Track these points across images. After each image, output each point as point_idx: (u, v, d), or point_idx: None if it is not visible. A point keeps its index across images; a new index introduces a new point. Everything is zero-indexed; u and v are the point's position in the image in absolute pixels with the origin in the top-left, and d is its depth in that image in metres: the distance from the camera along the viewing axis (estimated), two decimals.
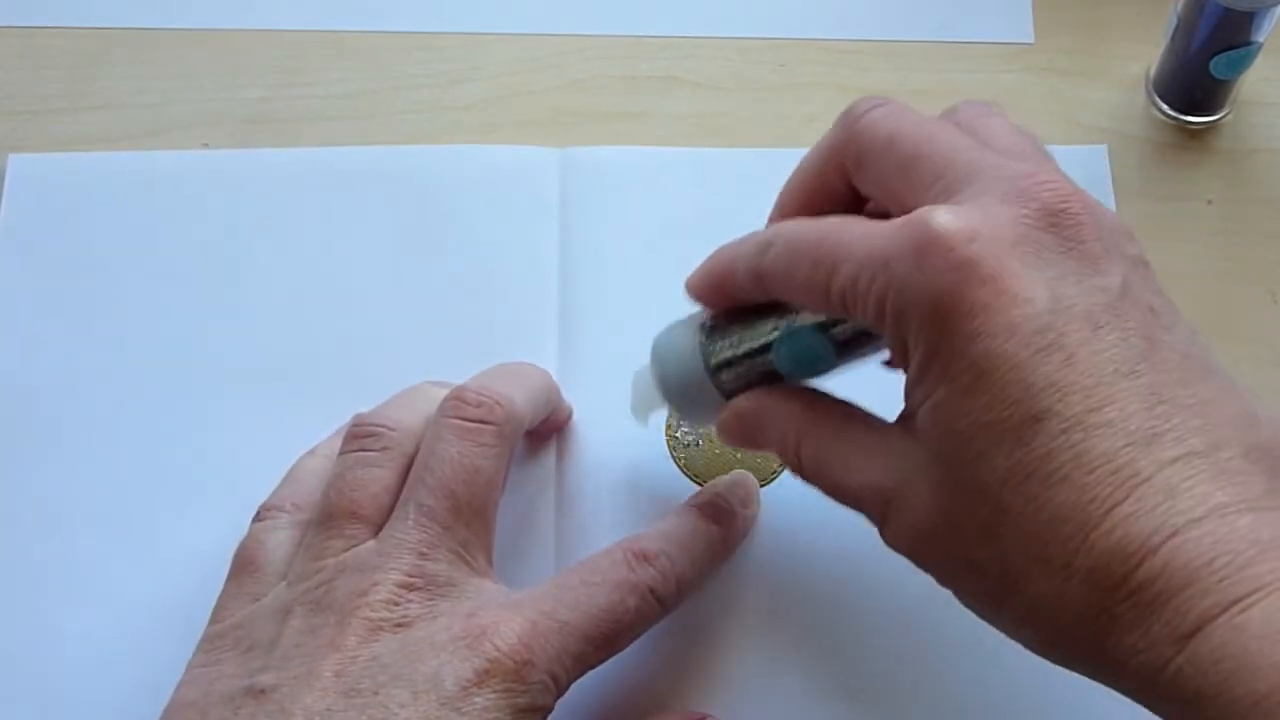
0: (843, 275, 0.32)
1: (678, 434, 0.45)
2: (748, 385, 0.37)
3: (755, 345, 0.36)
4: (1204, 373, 0.30)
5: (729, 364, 0.37)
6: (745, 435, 0.37)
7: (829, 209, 0.36)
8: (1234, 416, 0.29)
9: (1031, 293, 0.29)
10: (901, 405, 0.33)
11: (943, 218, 0.30)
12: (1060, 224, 0.30)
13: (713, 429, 0.39)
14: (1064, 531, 0.28)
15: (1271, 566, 0.27)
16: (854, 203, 0.36)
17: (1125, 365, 0.29)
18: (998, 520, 0.29)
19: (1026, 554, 0.29)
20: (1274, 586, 0.26)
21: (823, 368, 0.36)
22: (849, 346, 0.35)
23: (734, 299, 0.37)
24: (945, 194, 0.32)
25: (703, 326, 0.37)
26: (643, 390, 0.40)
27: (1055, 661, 0.30)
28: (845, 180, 0.35)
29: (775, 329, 0.36)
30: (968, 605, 0.32)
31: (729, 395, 0.37)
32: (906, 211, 0.32)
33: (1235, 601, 0.26)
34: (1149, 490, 0.28)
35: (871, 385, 0.35)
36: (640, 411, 0.41)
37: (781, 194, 0.38)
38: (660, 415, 0.42)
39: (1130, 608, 0.27)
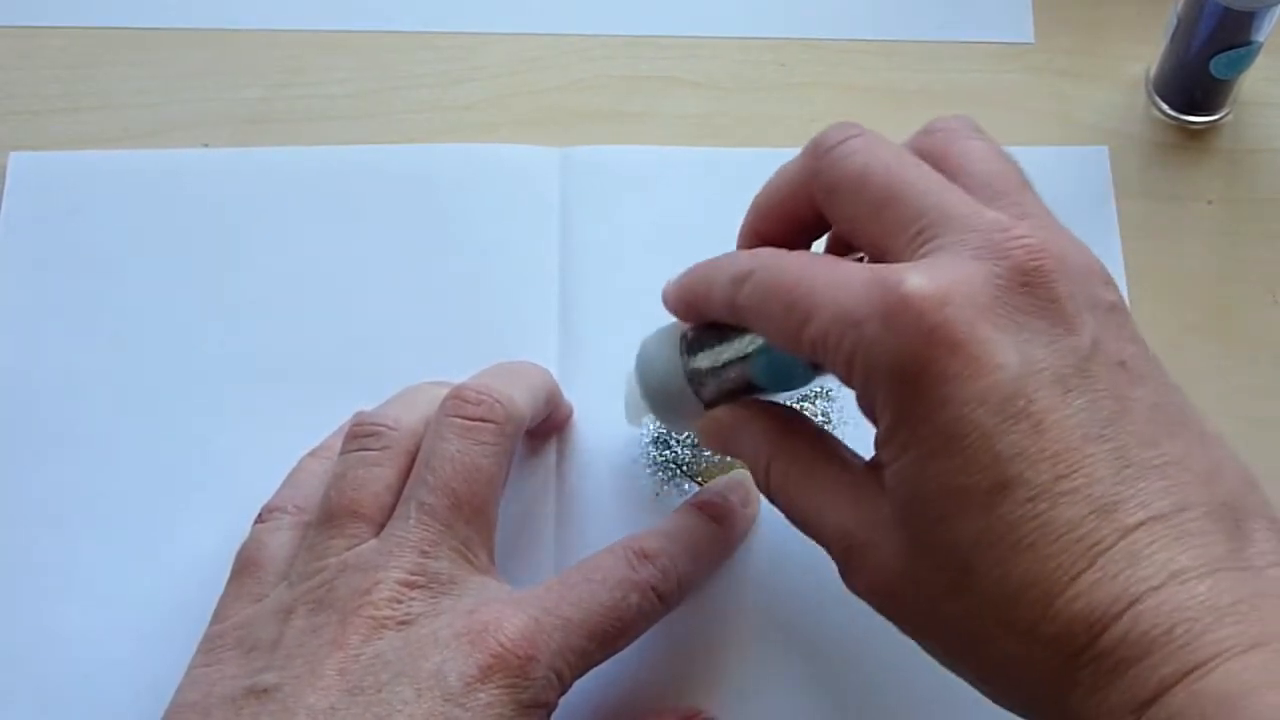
0: (814, 328, 0.32)
1: (677, 435, 0.45)
2: (726, 394, 0.37)
3: (733, 357, 0.37)
4: (1173, 427, 0.30)
5: (708, 373, 0.37)
6: (721, 445, 0.38)
7: (796, 230, 0.37)
8: (1200, 474, 0.30)
9: (1002, 359, 0.29)
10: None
11: (914, 280, 0.30)
12: (1033, 283, 0.30)
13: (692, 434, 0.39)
14: (1029, 597, 0.29)
15: (1228, 633, 0.27)
16: (821, 225, 0.36)
17: (1093, 429, 0.29)
18: (964, 582, 0.30)
19: (992, 616, 0.29)
20: (1230, 653, 0.27)
21: (798, 383, 0.37)
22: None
23: (708, 318, 0.37)
24: (917, 242, 0.32)
25: (684, 336, 0.38)
26: (631, 395, 0.40)
27: (1018, 715, 0.31)
28: (813, 206, 0.35)
29: (753, 343, 0.36)
30: (931, 655, 0.33)
31: (708, 404, 0.38)
32: (877, 252, 0.33)
33: (1193, 669, 0.27)
34: (1111, 558, 0.28)
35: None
36: (632, 415, 0.41)
37: (750, 212, 0.38)
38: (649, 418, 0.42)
39: (1091, 674, 0.28)
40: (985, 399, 0.29)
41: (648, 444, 0.45)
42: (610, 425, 0.45)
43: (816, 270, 0.33)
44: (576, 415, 0.45)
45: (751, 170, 0.49)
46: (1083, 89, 0.52)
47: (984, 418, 0.29)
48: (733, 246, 0.48)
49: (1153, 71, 0.51)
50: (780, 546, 0.43)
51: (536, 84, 0.52)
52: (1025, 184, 0.34)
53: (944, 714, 0.41)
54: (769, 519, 0.43)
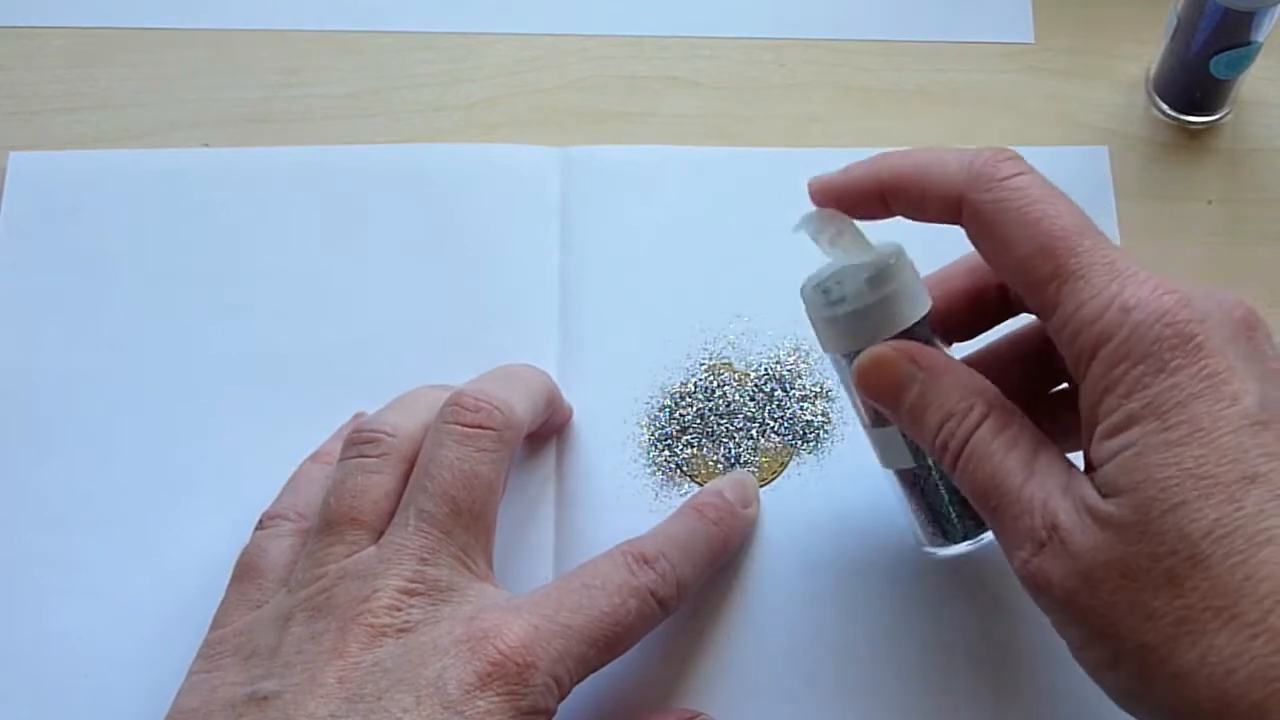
0: (1096, 303, 0.33)
1: (676, 445, 0.45)
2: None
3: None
4: None
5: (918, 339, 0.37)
6: (922, 379, 0.36)
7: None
8: None
9: (1246, 387, 0.31)
10: None
11: (1180, 298, 0.32)
12: (1256, 332, 0.33)
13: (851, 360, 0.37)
14: (1261, 590, 0.29)
15: None
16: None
17: None
18: (1188, 570, 0.30)
19: (1213, 606, 0.29)
20: None
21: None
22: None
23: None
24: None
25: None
26: (839, 274, 0.37)
27: None
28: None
29: None
30: (1093, 656, 0.32)
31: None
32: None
33: None
34: None
35: None
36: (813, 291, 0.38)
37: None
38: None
39: None
40: (1237, 401, 0.31)
41: (647, 445, 0.45)
42: (610, 426, 0.45)
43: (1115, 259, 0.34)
44: (576, 416, 0.45)
45: (751, 170, 0.50)
46: (1083, 89, 0.52)
47: (1235, 418, 0.31)
48: (733, 247, 0.48)
49: (1153, 71, 0.51)
50: (780, 547, 0.43)
51: (536, 84, 0.52)
52: None
53: (943, 713, 0.41)
54: (769, 520, 0.43)
